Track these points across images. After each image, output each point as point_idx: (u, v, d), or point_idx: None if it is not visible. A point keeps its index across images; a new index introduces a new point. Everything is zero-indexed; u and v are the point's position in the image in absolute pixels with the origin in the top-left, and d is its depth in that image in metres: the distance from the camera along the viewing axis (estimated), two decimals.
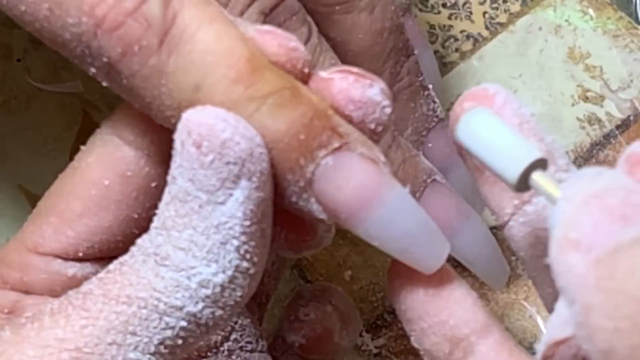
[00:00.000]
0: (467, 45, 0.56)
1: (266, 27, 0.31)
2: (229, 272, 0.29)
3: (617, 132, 0.54)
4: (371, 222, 0.31)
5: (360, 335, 0.50)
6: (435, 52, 0.55)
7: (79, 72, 0.52)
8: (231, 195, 0.29)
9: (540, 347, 0.28)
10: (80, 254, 0.33)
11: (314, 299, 0.45)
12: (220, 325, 0.30)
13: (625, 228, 0.25)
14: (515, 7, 0.57)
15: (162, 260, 0.29)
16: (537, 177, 0.28)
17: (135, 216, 0.33)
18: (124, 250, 0.31)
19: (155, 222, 0.30)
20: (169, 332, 0.29)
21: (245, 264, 0.29)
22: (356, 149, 0.30)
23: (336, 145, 0.30)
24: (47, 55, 0.52)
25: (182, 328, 0.29)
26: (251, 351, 0.40)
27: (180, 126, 0.29)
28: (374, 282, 0.51)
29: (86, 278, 0.31)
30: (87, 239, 0.33)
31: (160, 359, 0.30)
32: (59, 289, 0.33)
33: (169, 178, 0.30)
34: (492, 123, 0.29)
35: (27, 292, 0.33)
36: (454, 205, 0.44)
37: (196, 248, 0.29)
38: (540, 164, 0.28)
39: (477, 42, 0.56)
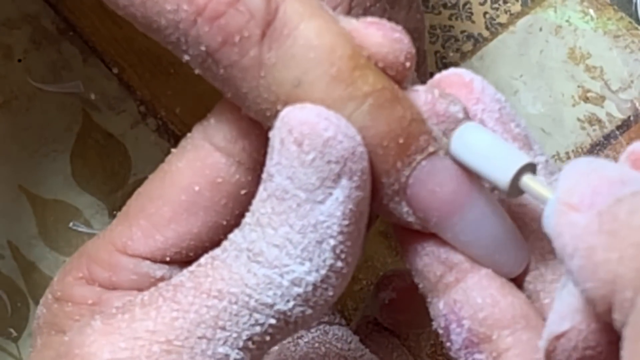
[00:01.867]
0: (467, 46, 0.56)
1: (371, 19, 0.31)
2: (323, 272, 0.29)
3: (617, 132, 0.54)
4: (462, 226, 0.31)
5: None
6: (436, 52, 0.55)
7: (80, 73, 0.52)
8: (331, 194, 0.28)
9: (541, 344, 0.28)
10: (168, 258, 0.33)
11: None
12: (309, 323, 0.30)
13: (624, 188, 0.25)
14: (516, 8, 0.57)
15: (255, 256, 0.29)
16: (527, 180, 0.29)
17: (224, 223, 0.33)
18: None
19: (248, 219, 0.30)
20: (257, 329, 0.29)
21: (339, 264, 0.29)
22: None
23: (431, 150, 0.30)
24: (48, 55, 0.51)
25: (271, 325, 0.29)
26: (329, 323, 0.40)
27: (279, 124, 0.29)
28: (374, 282, 0.51)
29: None
30: (175, 244, 0.33)
31: (247, 353, 0.30)
32: (146, 290, 0.32)
33: (264, 175, 0.29)
34: (482, 135, 0.30)
35: (114, 289, 0.33)
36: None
37: (291, 246, 0.29)
38: (530, 169, 0.29)
39: (478, 42, 0.56)
